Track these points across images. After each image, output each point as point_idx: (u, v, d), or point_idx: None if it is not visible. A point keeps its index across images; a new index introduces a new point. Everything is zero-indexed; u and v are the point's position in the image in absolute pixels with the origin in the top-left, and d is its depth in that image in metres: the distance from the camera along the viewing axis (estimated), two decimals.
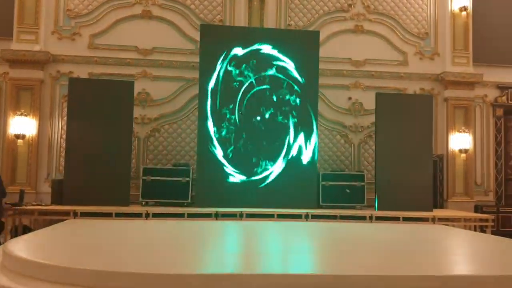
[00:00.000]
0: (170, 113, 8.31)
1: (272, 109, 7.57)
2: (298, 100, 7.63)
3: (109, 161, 7.21)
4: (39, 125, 8.00)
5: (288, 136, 7.59)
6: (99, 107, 7.29)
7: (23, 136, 7.90)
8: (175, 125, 8.33)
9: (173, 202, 7.41)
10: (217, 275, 2.35)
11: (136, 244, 3.55)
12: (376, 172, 7.70)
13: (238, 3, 8.48)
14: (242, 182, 7.45)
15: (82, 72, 8.16)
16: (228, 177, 7.44)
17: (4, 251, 2.85)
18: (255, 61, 7.58)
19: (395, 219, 7.12)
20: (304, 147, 7.58)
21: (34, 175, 7.92)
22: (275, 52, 7.65)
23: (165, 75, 8.32)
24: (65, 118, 7.66)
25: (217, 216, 6.89)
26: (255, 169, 7.50)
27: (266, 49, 7.63)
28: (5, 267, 2.70)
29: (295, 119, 7.62)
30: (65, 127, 7.69)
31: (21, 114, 7.90)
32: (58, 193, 7.21)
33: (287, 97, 7.60)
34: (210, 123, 7.48)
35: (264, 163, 7.52)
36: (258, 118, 7.55)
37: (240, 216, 6.90)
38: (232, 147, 7.50)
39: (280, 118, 7.59)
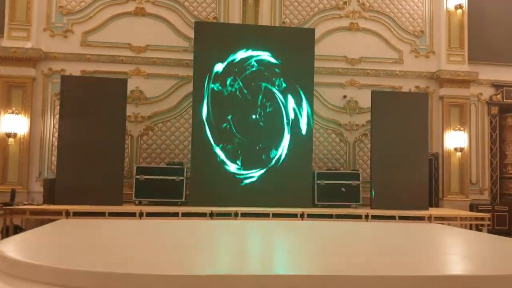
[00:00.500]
0: (163, 111, 8.23)
1: (267, 104, 7.53)
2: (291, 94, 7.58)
3: (102, 160, 7.12)
4: (30, 124, 7.90)
5: (284, 127, 7.54)
6: (92, 105, 7.18)
7: (15, 135, 7.79)
8: (169, 123, 8.25)
9: (167, 201, 7.35)
10: (211, 276, 2.28)
11: (129, 244, 3.47)
12: (372, 170, 7.66)
13: (233, 0, 8.40)
14: (238, 177, 7.38)
15: (74, 69, 8.06)
16: (223, 171, 7.37)
17: None
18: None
19: (391, 218, 7.08)
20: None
21: (25, 174, 7.82)
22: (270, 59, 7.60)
23: (158, 73, 8.24)
24: (57, 116, 7.58)
25: (211, 215, 6.83)
26: (253, 162, 7.45)
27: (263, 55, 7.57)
28: None
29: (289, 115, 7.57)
30: (57, 126, 7.61)
31: (13, 112, 7.79)
32: (50, 192, 7.11)
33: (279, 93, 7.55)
34: (205, 120, 7.40)
35: (262, 156, 7.46)
36: (254, 116, 7.49)
37: (235, 215, 6.83)
38: (229, 145, 7.44)
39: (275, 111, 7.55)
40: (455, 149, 8.64)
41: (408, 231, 4.73)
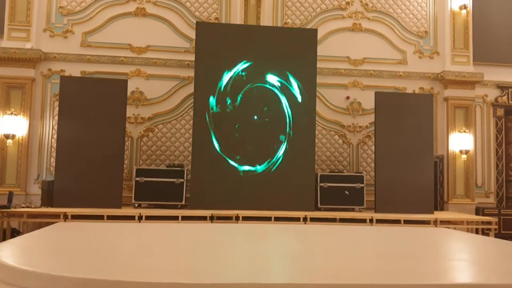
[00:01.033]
0: (164, 112, 8.12)
1: (269, 105, 7.42)
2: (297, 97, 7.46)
3: (101, 161, 7.03)
4: (29, 125, 7.79)
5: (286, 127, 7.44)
6: (91, 106, 7.10)
7: (13, 136, 7.68)
8: (169, 125, 8.13)
9: (167, 204, 7.24)
10: (212, 284, 2.16)
11: (128, 249, 3.36)
12: (376, 173, 7.53)
13: (234, 1, 8.29)
14: (239, 180, 7.25)
15: (74, 70, 7.97)
16: (224, 174, 7.24)
17: None
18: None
19: (396, 221, 6.94)
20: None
21: (23, 176, 7.70)
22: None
23: (159, 74, 8.13)
24: (57, 117, 7.47)
25: (212, 218, 6.70)
26: (255, 164, 7.33)
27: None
28: None
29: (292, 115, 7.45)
30: (56, 127, 7.51)
31: (11, 113, 7.69)
32: (48, 194, 7.01)
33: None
34: (207, 119, 7.30)
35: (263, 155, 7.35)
36: (255, 117, 7.38)
37: (236, 219, 6.71)
38: (230, 147, 7.32)
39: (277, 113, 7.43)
40: (460, 151, 8.49)
41: (416, 236, 4.61)
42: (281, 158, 7.37)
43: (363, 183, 7.67)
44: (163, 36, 8.17)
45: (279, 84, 7.45)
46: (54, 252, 3.20)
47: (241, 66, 7.39)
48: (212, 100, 7.32)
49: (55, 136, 7.62)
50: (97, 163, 7.01)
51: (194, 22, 7.96)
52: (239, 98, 7.38)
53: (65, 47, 8.02)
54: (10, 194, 6.91)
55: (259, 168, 7.33)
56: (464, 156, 8.49)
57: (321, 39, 8.26)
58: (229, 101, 7.36)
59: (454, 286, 2.27)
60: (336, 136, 8.44)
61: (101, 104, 7.13)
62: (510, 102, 9.03)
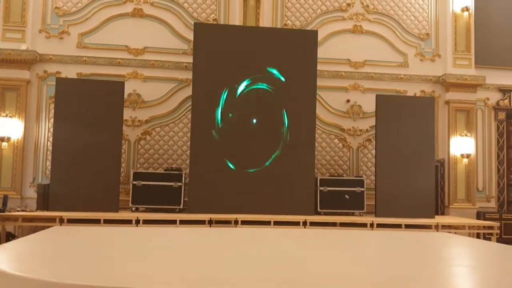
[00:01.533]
0: (162, 115, 8.00)
1: (268, 108, 7.31)
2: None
3: (98, 165, 6.92)
4: (25, 127, 7.67)
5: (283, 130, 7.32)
6: (88, 109, 7.00)
7: (8, 139, 7.56)
8: (167, 127, 8.02)
9: (165, 208, 7.12)
10: None
11: (125, 254, 3.25)
12: (376, 177, 7.43)
13: (233, 2, 8.19)
14: (238, 184, 7.13)
15: (70, 72, 7.84)
16: (223, 177, 7.12)
17: None
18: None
19: (397, 226, 6.85)
20: None
21: (19, 180, 7.58)
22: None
23: (157, 76, 8.01)
24: (52, 120, 7.34)
25: (210, 223, 6.59)
26: (254, 168, 7.21)
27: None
28: None
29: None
30: (52, 130, 7.38)
31: (6, 116, 7.57)
32: (44, 198, 6.91)
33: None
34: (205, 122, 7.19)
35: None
36: (254, 121, 7.27)
37: (235, 223, 6.59)
38: (229, 150, 7.20)
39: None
40: (462, 155, 8.40)
41: (417, 241, 4.50)
42: (280, 162, 7.24)
43: (363, 187, 7.56)
44: (161, 38, 8.06)
45: (279, 87, 7.33)
46: (49, 257, 3.10)
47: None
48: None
49: (51, 139, 7.50)
50: (94, 166, 6.90)
51: (192, 23, 7.85)
52: (238, 101, 7.27)
53: (61, 48, 7.90)
54: (5, 198, 6.80)
55: (258, 171, 7.21)
56: (465, 160, 8.40)
57: (321, 41, 8.16)
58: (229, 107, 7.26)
59: None
60: (336, 140, 8.34)
61: (98, 107, 7.02)
62: None
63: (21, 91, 7.68)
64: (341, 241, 4.43)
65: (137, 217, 6.53)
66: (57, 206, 6.76)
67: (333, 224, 6.84)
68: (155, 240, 4.16)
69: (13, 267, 2.50)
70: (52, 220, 6.36)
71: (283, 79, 7.35)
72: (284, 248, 3.84)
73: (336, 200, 7.46)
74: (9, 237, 6.65)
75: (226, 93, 7.26)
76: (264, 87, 7.32)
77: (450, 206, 8.35)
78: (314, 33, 7.73)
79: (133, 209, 7.16)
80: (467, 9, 8.58)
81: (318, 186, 7.46)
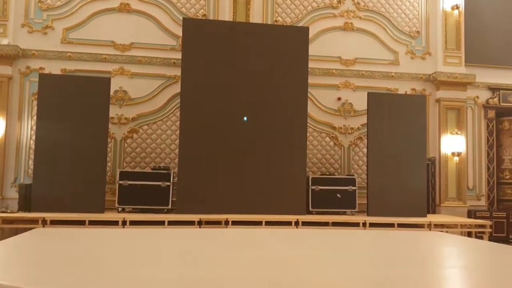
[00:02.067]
0: (149, 113, 7.80)
1: (259, 105, 7.15)
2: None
3: (83, 164, 6.70)
4: (6, 125, 7.40)
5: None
6: (72, 106, 6.78)
7: None
8: (155, 125, 7.82)
9: (152, 209, 6.92)
10: None
11: (112, 258, 3.09)
12: (368, 175, 7.34)
13: None
14: (228, 182, 6.97)
15: (54, 68, 7.59)
16: (212, 177, 6.95)
17: None
18: None
19: (390, 225, 6.77)
20: None
21: (0, 179, 7.31)
22: None
23: (144, 73, 7.81)
24: (35, 117, 7.11)
25: (200, 223, 6.42)
26: (244, 167, 7.05)
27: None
28: None
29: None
30: (34, 128, 7.13)
31: None
32: (26, 199, 6.66)
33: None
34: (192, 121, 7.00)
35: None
36: (245, 118, 7.11)
37: (226, 223, 6.43)
38: (219, 148, 7.03)
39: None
40: (453, 153, 8.36)
41: (411, 240, 4.42)
42: (271, 160, 7.10)
43: (355, 185, 7.46)
44: (148, 33, 7.86)
45: (270, 83, 7.18)
46: (30, 262, 2.92)
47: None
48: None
49: (33, 137, 7.23)
50: (78, 166, 6.68)
51: (181, 18, 7.66)
52: (227, 98, 7.10)
53: (45, 43, 7.64)
54: None
55: (249, 170, 7.05)
56: (456, 158, 8.36)
57: (312, 38, 8.04)
58: (217, 102, 7.08)
59: None
60: (328, 138, 8.23)
61: (83, 104, 6.80)
62: (501, 104, 8.95)
63: (3, 88, 7.42)
64: (334, 241, 4.33)
65: (124, 218, 6.34)
66: (40, 207, 6.54)
67: (325, 224, 6.74)
68: (142, 242, 4.00)
69: None
70: (34, 221, 6.16)
71: (274, 75, 7.19)
72: (277, 249, 3.71)
73: (328, 199, 7.35)
74: None
75: (215, 90, 7.08)
76: (255, 83, 7.15)
77: (441, 205, 8.32)
78: (306, 29, 7.60)
79: (120, 209, 6.95)
80: (457, 7, 8.55)
81: (310, 185, 7.34)
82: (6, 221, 6.26)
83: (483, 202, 8.76)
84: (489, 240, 6.96)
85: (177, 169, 7.13)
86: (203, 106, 7.03)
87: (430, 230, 6.75)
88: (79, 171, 6.67)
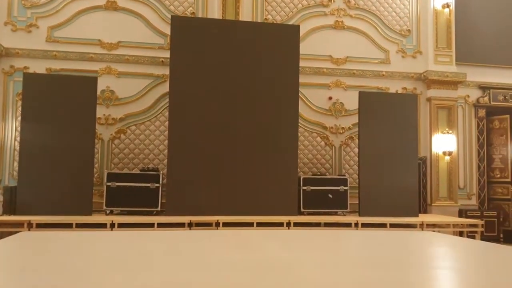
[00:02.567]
0: (137, 113, 7.64)
1: (250, 105, 7.03)
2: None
3: (69, 165, 6.53)
4: None
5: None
6: (58, 106, 6.62)
7: None
8: (143, 126, 7.66)
9: (141, 211, 6.78)
10: None
11: (100, 262, 2.95)
12: (360, 175, 7.26)
13: None
14: (219, 182, 6.85)
15: (39, 67, 7.41)
16: (202, 178, 6.82)
17: None
18: None
19: (382, 225, 6.70)
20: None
21: None
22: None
23: (131, 72, 7.65)
24: (20, 118, 6.91)
25: (190, 225, 6.29)
26: (234, 167, 6.93)
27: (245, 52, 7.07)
28: None
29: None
30: (19, 128, 6.94)
31: None
32: (11, 201, 6.49)
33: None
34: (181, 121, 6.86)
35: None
36: (237, 117, 6.99)
37: (217, 225, 6.31)
38: (209, 149, 6.90)
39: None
40: (444, 153, 8.33)
41: (404, 241, 4.35)
42: (262, 160, 6.99)
43: (347, 186, 7.39)
44: (136, 32, 7.71)
45: (261, 83, 7.07)
46: (16, 268, 2.78)
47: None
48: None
49: (18, 138, 7.04)
50: (65, 167, 6.52)
51: (169, 16, 7.52)
52: (216, 98, 6.98)
53: (29, 42, 7.45)
54: None
55: (240, 171, 6.93)
56: (447, 158, 8.33)
57: (303, 37, 7.94)
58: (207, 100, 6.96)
59: None
60: (318, 138, 8.14)
61: (69, 104, 6.64)
62: (492, 103, 8.94)
63: None
64: (325, 243, 4.25)
65: (112, 221, 6.18)
66: (25, 210, 6.36)
67: (317, 225, 6.66)
68: (132, 245, 3.87)
69: None
70: (19, 225, 5.98)
71: (265, 74, 7.08)
72: (269, 251, 3.61)
73: (319, 200, 7.27)
74: None
75: (205, 89, 6.95)
76: (244, 82, 7.04)
77: (433, 204, 8.28)
78: (296, 27, 7.50)
79: (108, 212, 6.80)
80: (448, 5, 8.52)
81: (301, 185, 7.25)
82: None
83: (473, 201, 8.75)
84: (481, 239, 6.94)
85: (166, 170, 6.99)
86: (192, 106, 6.89)
87: (422, 230, 6.70)
88: (66, 173, 6.51)
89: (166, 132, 7.25)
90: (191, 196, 6.75)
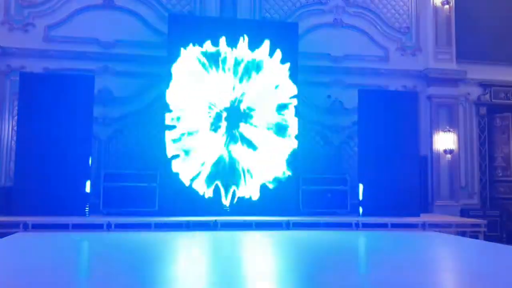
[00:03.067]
0: (134, 112, 7.58)
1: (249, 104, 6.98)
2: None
3: (66, 165, 6.52)
4: None
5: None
6: (55, 106, 6.60)
7: None
8: (140, 125, 7.59)
9: (139, 211, 6.73)
10: None
11: (96, 264, 2.93)
12: (359, 174, 7.20)
13: None
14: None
15: (36, 66, 7.38)
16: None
17: None
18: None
19: (383, 225, 6.62)
20: None
21: None
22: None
23: (128, 70, 7.59)
24: (16, 117, 6.89)
25: (188, 226, 6.23)
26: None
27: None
28: None
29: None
30: (16, 128, 6.91)
31: None
32: (7, 202, 6.47)
33: None
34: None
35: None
36: (235, 116, 6.95)
37: (215, 225, 6.24)
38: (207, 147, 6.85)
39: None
40: (445, 151, 8.25)
41: (409, 242, 4.30)
42: (261, 160, 6.94)
43: (346, 185, 7.33)
44: (133, 30, 7.67)
45: (258, 82, 7.03)
46: (12, 268, 2.75)
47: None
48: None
49: (15, 138, 7.00)
50: (61, 167, 6.50)
51: (166, 15, 7.47)
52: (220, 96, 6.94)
53: (26, 41, 7.42)
54: None
55: (238, 172, 6.89)
56: (448, 156, 8.25)
57: (301, 34, 7.87)
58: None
59: None
60: (317, 137, 8.07)
61: (66, 103, 6.65)
62: (493, 100, 8.86)
63: None
64: (326, 245, 4.21)
65: (109, 221, 6.14)
66: (21, 210, 6.32)
67: (317, 225, 6.57)
68: (128, 247, 3.85)
69: None
70: (15, 225, 5.93)
71: (263, 73, 7.03)
72: (268, 252, 3.57)
73: (319, 200, 7.21)
74: None
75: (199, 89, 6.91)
76: (245, 82, 6.99)
77: (434, 204, 8.20)
78: (295, 25, 7.47)
79: (104, 212, 6.75)
80: (447, 2, 8.45)
81: (301, 185, 7.18)
82: None
83: (475, 200, 8.66)
84: (484, 239, 6.87)
85: (162, 171, 6.93)
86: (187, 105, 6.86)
87: (424, 230, 6.63)
88: (62, 173, 6.50)
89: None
90: (188, 196, 6.67)
